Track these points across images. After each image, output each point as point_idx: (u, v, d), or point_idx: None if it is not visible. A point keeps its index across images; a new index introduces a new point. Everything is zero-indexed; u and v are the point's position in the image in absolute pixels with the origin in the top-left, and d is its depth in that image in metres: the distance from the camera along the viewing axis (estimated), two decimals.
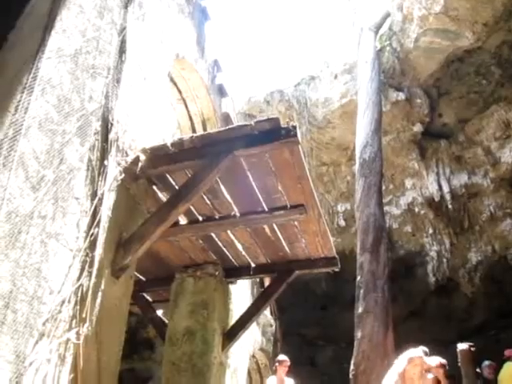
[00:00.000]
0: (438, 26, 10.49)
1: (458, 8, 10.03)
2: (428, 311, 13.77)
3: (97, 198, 3.56)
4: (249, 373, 9.17)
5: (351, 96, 11.47)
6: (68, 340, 3.13)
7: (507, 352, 7.24)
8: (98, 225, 3.52)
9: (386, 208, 11.41)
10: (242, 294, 7.50)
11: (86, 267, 3.39)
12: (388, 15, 11.78)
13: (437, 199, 12.21)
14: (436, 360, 6.66)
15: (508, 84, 10.87)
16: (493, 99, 10.98)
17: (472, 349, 6.66)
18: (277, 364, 7.35)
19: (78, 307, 3.26)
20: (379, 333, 7.78)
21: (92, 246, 3.46)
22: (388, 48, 11.67)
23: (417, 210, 12.65)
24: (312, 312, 14.47)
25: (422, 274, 13.40)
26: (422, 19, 10.59)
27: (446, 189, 12.09)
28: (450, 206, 12.19)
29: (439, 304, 13.68)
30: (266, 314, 10.00)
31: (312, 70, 12.66)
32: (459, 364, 6.66)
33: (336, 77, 12.09)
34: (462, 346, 6.73)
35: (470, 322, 13.20)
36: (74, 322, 3.21)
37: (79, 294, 3.29)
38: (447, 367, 6.84)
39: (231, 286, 6.37)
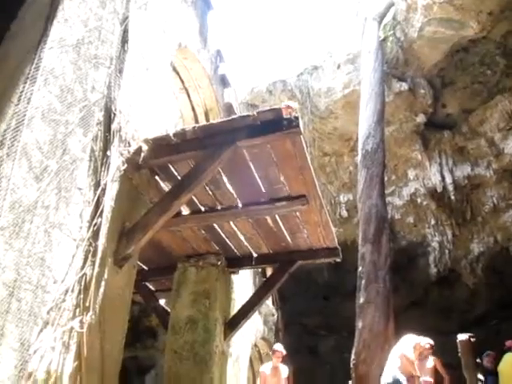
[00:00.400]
0: (443, 16, 10.38)
1: None
2: (429, 301, 13.83)
3: (100, 188, 3.58)
4: (251, 361, 9.25)
5: (354, 86, 11.41)
6: (72, 328, 3.17)
7: (508, 343, 7.27)
8: (100, 215, 3.54)
9: (388, 199, 11.41)
10: (244, 283, 7.55)
11: (90, 257, 3.42)
12: (392, 4, 11.68)
13: (439, 190, 12.19)
14: (425, 341, 6.71)
15: (506, 77, 10.78)
16: (497, 90, 10.91)
17: (472, 339, 6.70)
18: (271, 353, 7.59)
19: (82, 296, 3.29)
20: (380, 323, 7.83)
21: (95, 235, 3.49)
22: (392, 38, 11.57)
23: (419, 200, 12.64)
24: (314, 302, 14.54)
25: (424, 265, 13.44)
26: (427, 8, 10.49)
27: (448, 180, 12.07)
28: (452, 197, 12.18)
29: (441, 294, 13.74)
30: (268, 304, 10.06)
31: (315, 59, 12.58)
32: (459, 354, 6.71)
33: (339, 67, 12.01)
34: (462, 337, 6.78)
35: (471, 312, 13.25)
36: (77, 310, 3.25)
37: (83, 283, 3.32)
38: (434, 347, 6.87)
39: (233, 276, 6.41)
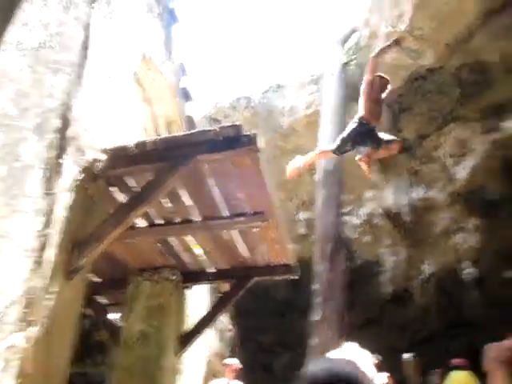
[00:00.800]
0: (404, 44, 10.79)
1: (422, 28, 10.36)
2: (384, 320, 14.08)
3: (52, 198, 3.46)
4: (204, 378, 9.09)
5: (317, 106, 11.62)
6: (15, 344, 3.02)
7: (455, 361, 7.51)
8: (52, 225, 3.42)
9: (345, 218, 11.62)
10: (199, 299, 7.45)
11: (38, 268, 3.29)
12: (355, 30, 12.06)
13: (395, 211, 12.53)
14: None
15: (467, 104, 11.28)
16: (451, 117, 11.38)
17: (417, 358, 6.87)
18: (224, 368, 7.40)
19: (28, 309, 3.16)
20: (333, 340, 7.90)
21: (45, 246, 3.36)
22: (354, 62, 11.91)
23: (375, 221, 12.94)
24: (270, 318, 14.51)
25: (379, 284, 13.71)
26: (388, 36, 10.86)
27: (404, 201, 12.43)
28: (407, 219, 12.54)
29: (395, 313, 14.01)
30: (224, 320, 9.97)
31: (279, 78, 12.78)
32: (405, 373, 6.85)
33: (303, 86, 12.25)
34: (406, 356, 6.93)
35: (422, 331, 13.58)
36: (22, 324, 3.11)
37: (29, 296, 3.18)
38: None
39: (188, 291, 6.32)
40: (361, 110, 5.79)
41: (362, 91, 5.83)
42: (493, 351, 6.97)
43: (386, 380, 7.00)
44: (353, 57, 11.96)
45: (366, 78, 5.82)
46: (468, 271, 12.95)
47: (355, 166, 12.35)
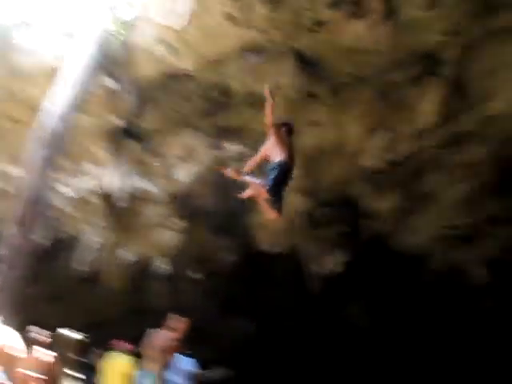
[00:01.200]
0: (171, 42, 11.11)
1: (193, 35, 10.87)
2: (71, 297, 13.88)
3: None
4: None
5: (63, 61, 10.72)
6: None
7: (117, 343, 8.04)
8: None
9: (58, 186, 11.02)
10: None
11: None
12: (134, 7, 11.73)
13: (112, 194, 12.61)
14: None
15: (206, 117, 12.30)
16: (188, 123, 12.22)
17: (86, 338, 7.04)
18: None
19: None
20: (11, 312, 7.32)
21: None
22: (121, 36, 11.54)
23: (90, 197, 12.74)
24: None
25: (74, 260, 13.51)
26: (161, 28, 11.01)
27: (123, 187, 12.64)
28: (121, 204, 12.78)
29: (82, 292, 14.01)
30: None
31: (31, 15, 11.21)
32: (55, 349, 6.90)
33: (55, 35, 11.11)
34: (59, 331, 7.02)
35: (107, 314, 13.96)
36: None
37: None
38: None
39: None
40: (279, 155, 5.93)
41: (275, 138, 6.00)
42: (156, 338, 7.69)
43: (53, 358, 6.88)
44: (121, 31, 11.58)
45: (271, 125, 6.03)
46: (163, 266, 14.10)
47: (87, 138, 11.96)
